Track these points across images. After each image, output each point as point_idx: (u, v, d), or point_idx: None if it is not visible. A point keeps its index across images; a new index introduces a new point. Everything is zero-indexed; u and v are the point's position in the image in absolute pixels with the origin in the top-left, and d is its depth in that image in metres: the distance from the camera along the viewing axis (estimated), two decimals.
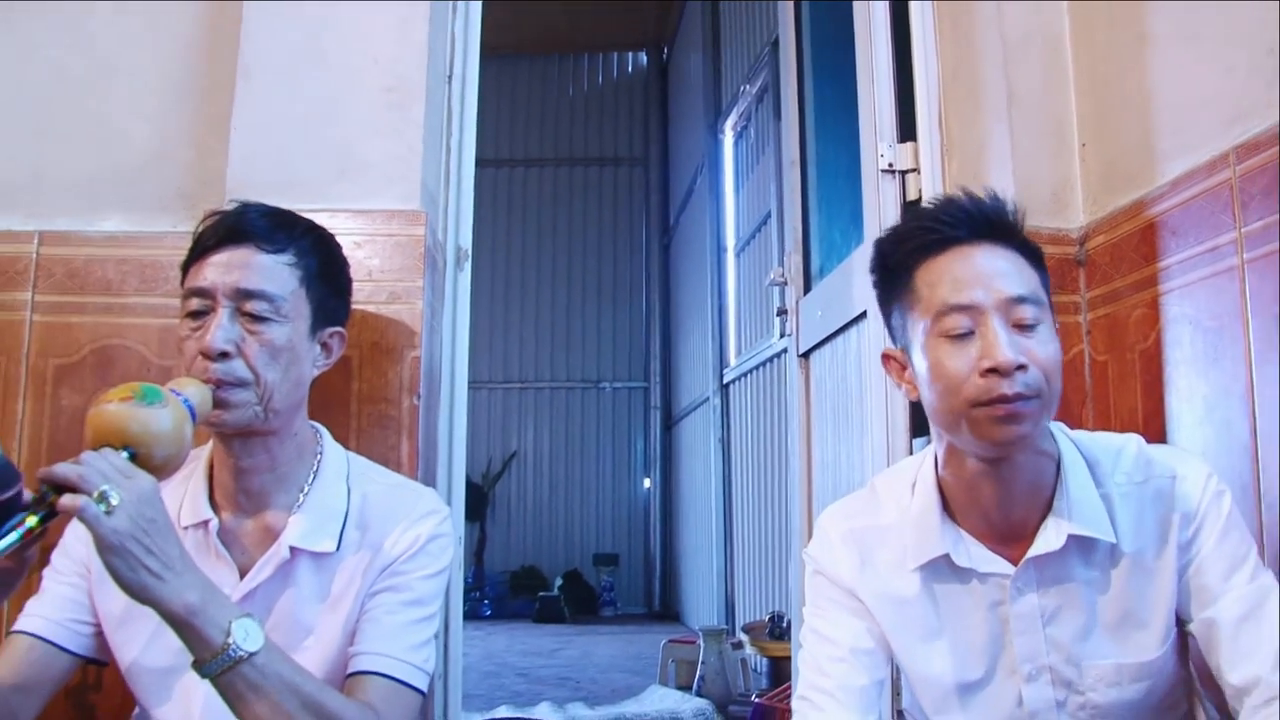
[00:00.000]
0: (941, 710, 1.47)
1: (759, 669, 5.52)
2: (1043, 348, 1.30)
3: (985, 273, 1.33)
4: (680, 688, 5.53)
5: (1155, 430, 1.90)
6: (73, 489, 1.17)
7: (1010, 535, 1.40)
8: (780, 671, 4.93)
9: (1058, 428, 1.43)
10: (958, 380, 1.30)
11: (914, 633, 1.46)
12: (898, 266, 1.40)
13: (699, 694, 5.25)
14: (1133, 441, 1.44)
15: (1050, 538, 1.36)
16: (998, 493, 1.37)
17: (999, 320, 1.30)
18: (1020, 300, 1.31)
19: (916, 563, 1.43)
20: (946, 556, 1.41)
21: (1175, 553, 1.36)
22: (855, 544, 1.49)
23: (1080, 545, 1.37)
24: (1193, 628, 1.36)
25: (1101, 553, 1.37)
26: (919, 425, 2.55)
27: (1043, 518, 1.38)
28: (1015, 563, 1.38)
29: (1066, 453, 1.41)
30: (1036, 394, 1.29)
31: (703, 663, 5.32)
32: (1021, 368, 1.27)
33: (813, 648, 1.48)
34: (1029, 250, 1.38)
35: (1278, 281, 1.60)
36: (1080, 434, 1.46)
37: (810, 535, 3.27)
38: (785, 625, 5.05)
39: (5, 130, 2.20)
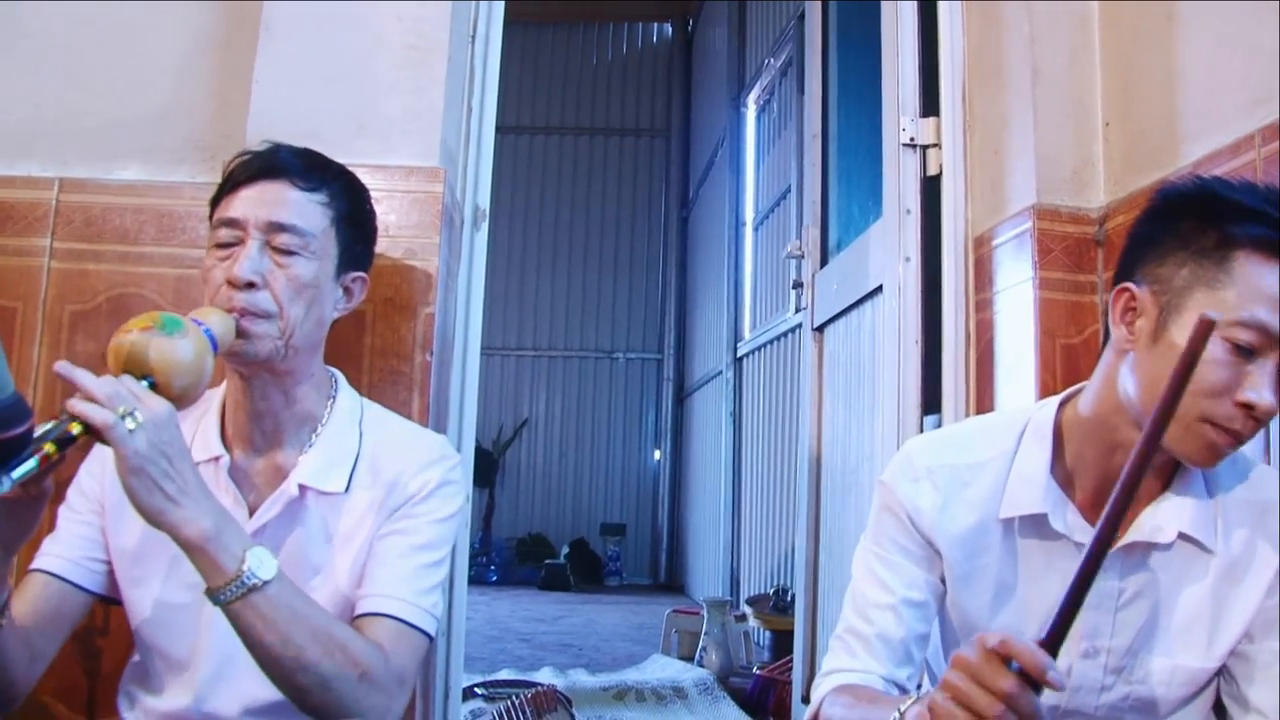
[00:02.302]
0: None
1: (761, 642, 5.54)
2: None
3: None
4: (682, 658, 5.56)
5: None
6: (98, 404, 1.18)
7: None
8: (782, 645, 4.94)
9: None
10: (1212, 391, 1.21)
11: (984, 584, 1.40)
12: (1223, 236, 1.23)
13: (701, 664, 5.28)
14: (1243, 453, 1.38)
15: (1158, 528, 1.32)
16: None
17: (1276, 358, 1.21)
18: None
19: (1009, 513, 1.37)
20: (1042, 516, 1.35)
21: (1271, 576, 1.33)
22: (943, 480, 1.41)
23: (1180, 542, 1.33)
24: (1244, 646, 1.34)
25: (1196, 554, 1.34)
26: (930, 402, 2.55)
27: (1148, 502, 1.34)
28: None
29: None
30: (1251, 436, 1.24)
31: (705, 634, 5.35)
32: (1269, 416, 1.21)
33: (863, 587, 1.43)
34: None
35: None
36: None
37: (817, 510, 3.29)
38: (789, 599, 5.07)
39: (27, 77, 2.20)
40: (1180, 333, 1.23)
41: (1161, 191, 1.33)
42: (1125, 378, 1.29)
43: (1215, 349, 1.20)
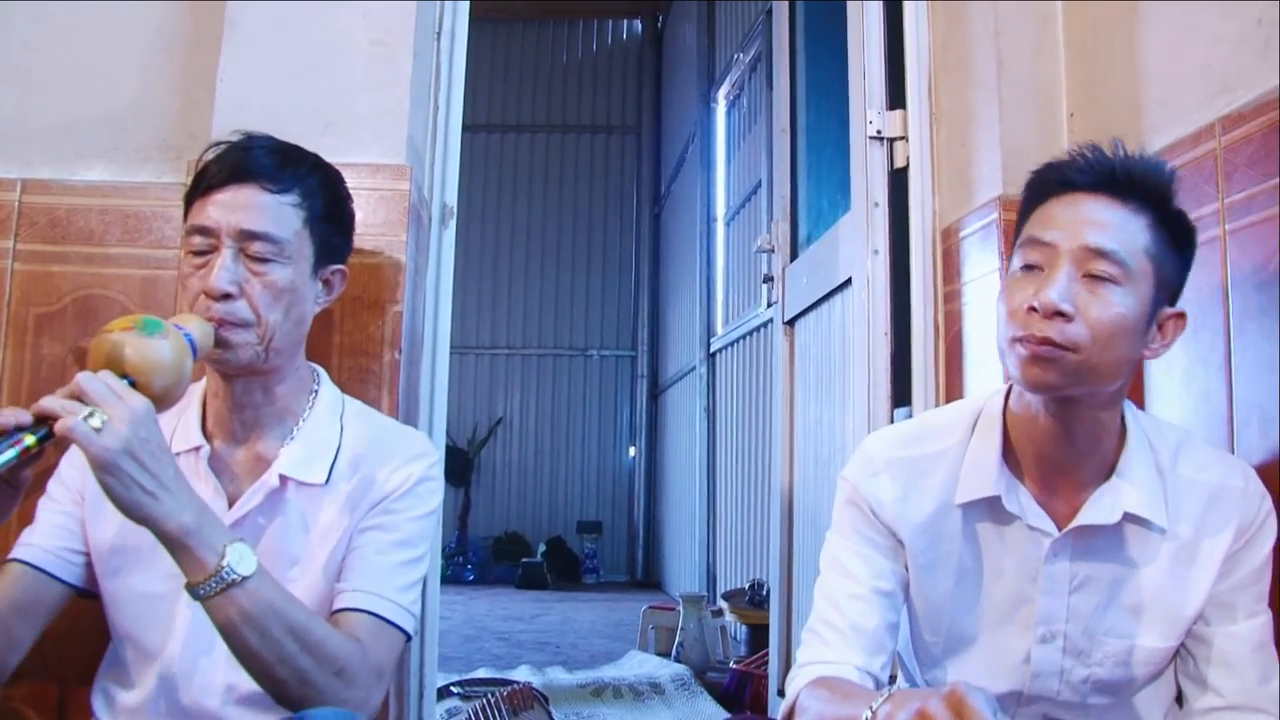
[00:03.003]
0: (947, 654, 1.48)
1: (738, 636, 5.54)
2: (1104, 308, 1.28)
3: (1080, 219, 1.31)
4: (659, 654, 5.56)
5: (1134, 401, 1.91)
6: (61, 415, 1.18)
7: (1059, 490, 1.40)
8: (758, 639, 4.95)
9: (1129, 405, 1.42)
10: (1009, 313, 1.32)
11: (946, 572, 1.45)
12: (1025, 204, 1.41)
13: (677, 660, 5.28)
14: (1193, 436, 1.45)
15: (1104, 510, 1.36)
16: (1055, 434, 1.36)
17: (1069, 266, 1.29)
18: (1100, 253, 1.29)
19: (965, 498, 1.42)
20: (996, 499, 1.40)
21: (1222, 558, 1.36)
22: (901, 472, 1.46)
23: (1129, 524, 1.37)
24: (1200, 629, 1.38)
25: (1146, 536, 1.37)
26: (900, 394, 2.56)
27: (1097, 483, 1.38)
28: (1059, 523, 1.38)
29: (1133, 430, 1.40)
30: (1072, 348, 1.27)
31: (682, 629, 5.35)
32: (1063, 315, 1.26)
33: (831, 580, 1.47)
34: (1163, 217, 1.34)
35: (1258, 253, 1.60)
36: (1144, 416, 1.46)
37: (791, 503, 3.29)
38: (765, 593, 5.07)
39: None
40: (999, 293, 1.38)
41: None
42: None
43: (1011, 282, 1.35)
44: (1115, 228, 1.31)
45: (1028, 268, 1.32)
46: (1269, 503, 1.39)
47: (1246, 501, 1.38)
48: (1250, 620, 1.36)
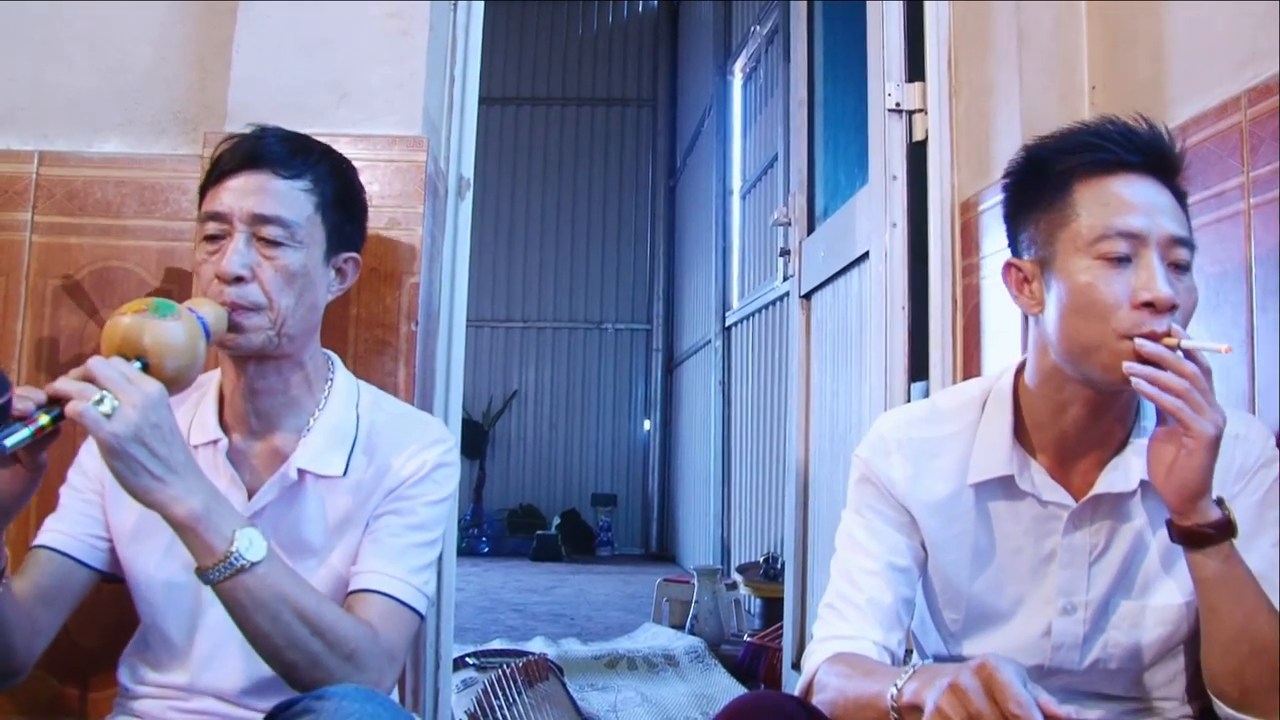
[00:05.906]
0: (966, 633, 1.48)
1: (752, 609, 5.56)
2: (1189, 295, 1.28)
3: (1153, 205, 1.28)
4: (674, 626, 5.59)
5: None
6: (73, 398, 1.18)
7: (1074, 464, 1.39)
8: (773, 612, 4.96)
9: None
10: (1109, 308, 1.26)
11: (962, 550, 1.45)
12: (1057, 176, 1.34)
13: (692, 633, 5.31)
14: None
15: (1121, 478, 1.36)
16: (1087, 419, 1.36)
17: (1158, 255, 1.26)
18: (1181, 242, 1.28)
19: (977, 478, 1.42)
20: (1009, 478, 1.40)
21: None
22: (912, 452, 1.46)
23: (1144, 489, 1.36)
24: None
25: (1159, 498, 1.34)
26: (917, 369, 2.55)
27: (1112, 454, 1.38)
28: (1072, 493, 1.38)
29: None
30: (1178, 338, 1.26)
31: (696, 602, 5.37)
32: (1174, 308, 1.25)
33: (847, 556, 1.47)
34: (1182, 195, 1.34)
35: None
36: None
37: (806, 477, 3.29)
38: (779, 567, 5.09)
39: (4, 50, 2.18)
40: (1062, 280, 1.31)
41: (1006, 170, 1.43)
42: (1046, 340, 1.36)
43: (1092, 273, 1.28)
44: (1176, 212, 1.30)
45: (1121, 260, 1.27)
46: (1272, 448, 1.38)
47: (1242, 449, 1.36)
48: (1247, 555, 1.30)
